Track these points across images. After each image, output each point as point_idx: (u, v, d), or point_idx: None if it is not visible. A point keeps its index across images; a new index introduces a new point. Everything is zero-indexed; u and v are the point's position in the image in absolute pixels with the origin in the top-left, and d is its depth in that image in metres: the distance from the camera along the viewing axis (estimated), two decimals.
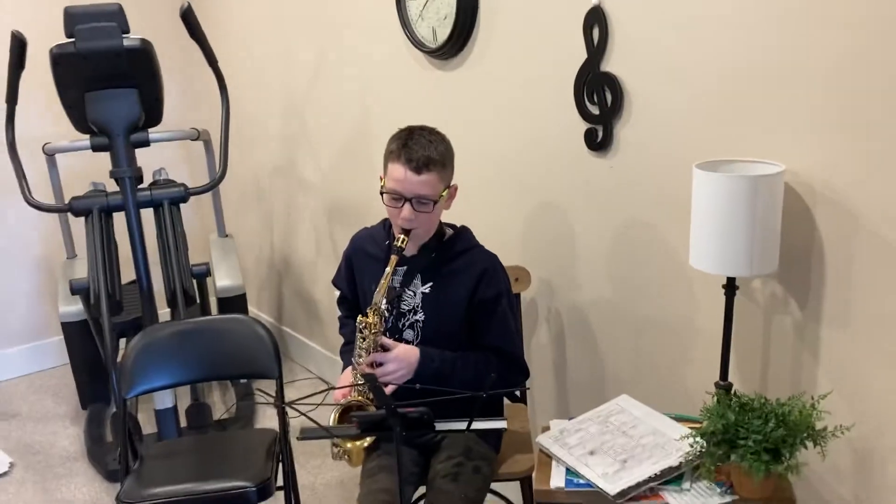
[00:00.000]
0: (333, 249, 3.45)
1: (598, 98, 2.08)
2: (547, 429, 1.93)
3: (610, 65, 2.04)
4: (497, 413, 2.13)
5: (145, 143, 2.86)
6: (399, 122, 2.81)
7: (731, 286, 1.77)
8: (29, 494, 2.94)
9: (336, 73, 3.13)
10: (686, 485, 1.66)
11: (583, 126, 2.15)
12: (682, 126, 1.91)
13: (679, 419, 1.87)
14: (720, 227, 1.66)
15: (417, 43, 2.61)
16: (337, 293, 2.29)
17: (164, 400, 2.85)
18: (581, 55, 2.10)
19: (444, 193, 1.91)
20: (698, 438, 1.64)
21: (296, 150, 3.52)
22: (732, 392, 1.71)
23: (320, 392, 1.71)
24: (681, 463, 1.68)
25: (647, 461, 1.71)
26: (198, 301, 3.22)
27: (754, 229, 1.63)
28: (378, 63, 2.88)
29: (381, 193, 1.91)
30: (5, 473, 3.07)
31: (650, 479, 1.65)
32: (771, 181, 1.62)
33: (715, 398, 1.71)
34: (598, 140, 2.12)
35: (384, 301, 1.90)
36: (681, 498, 1.62)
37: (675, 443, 1.75)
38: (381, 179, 1.93)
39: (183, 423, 3.05)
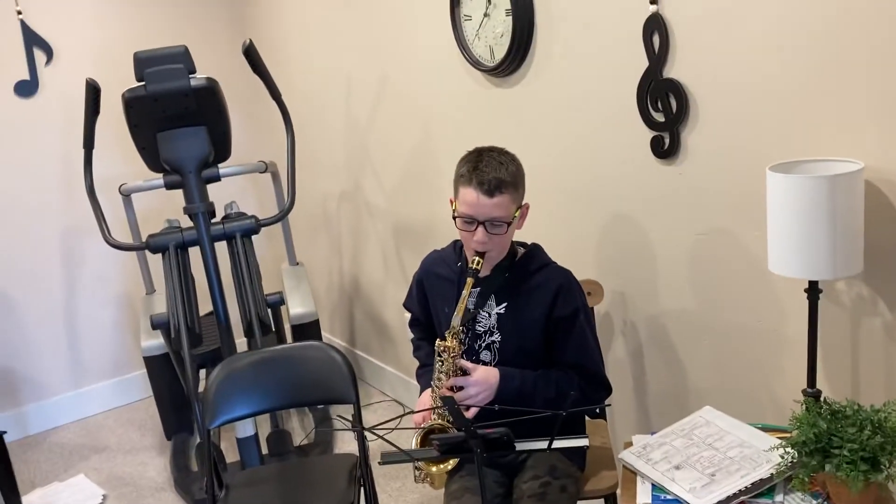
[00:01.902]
0: (402, 271, 3.47)
1: (663, 105, 2.06)
2: (629, 444, 1.89)
3: (673, 71, 2.01)
4: (579, 430, 2.10)
5: (216, 179, 2.94)
6: (460, 141, 2.83)
7: (813, 290, 1.71)
8: None
9: (396, 96, 3.17)
10: (779, 497, 1.60)
11: (648, 134, 2.12)
12: (752, 128, 1.87)
13: (766, 429, 1.81)
14: (799, 230, 1.61)
15: (475, 62, 2.62)
16: (408, 316, 2.30)
17: (245, 429, 2.90)
18: (642, 63, 2.07)
19: (516, 214, 1.90)
20: (789, 449, 1.59)
21: (360, 174, 3.57)
22: (822, 399, 1.65)
23: (399, 417, 1.71)
24: (772, 475, 1.62)
25: (737, 474, 1.66)
26: (273, 329, 3.28)
27: (835, 230, 1.58)
28: (437, 84, 2.90)
29: (454, 218, 1.91)
30: None
31: (741, 493, 1.60)
32: (850, 179, 1.57)
33: (804, 406, 1.66)
34: (665, 147, 2.08)
35: (460, 323, 1.90)
36: None
37: (764, 454, 1.69)
38: (452, 203, 1.93)
39: (264, 450, 3.10)
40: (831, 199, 1.56)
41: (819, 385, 1.78)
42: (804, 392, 1.75)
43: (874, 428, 1.51)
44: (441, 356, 1.91)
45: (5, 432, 2.90)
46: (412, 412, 1.96)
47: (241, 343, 3.11)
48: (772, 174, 1.64)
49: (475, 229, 1.87)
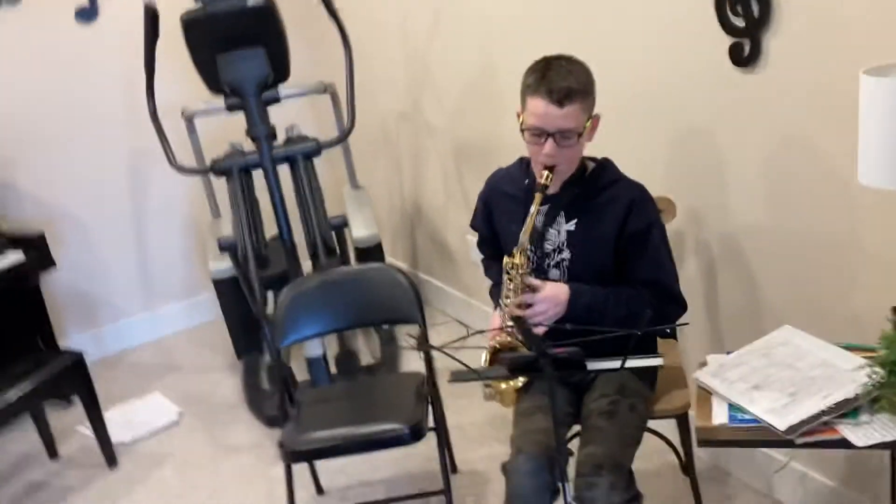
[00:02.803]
0: (462, 192, 3.42)
1: (743, 9, 1.93)
2: (704, 364, 1.84)
3: None
4: (650, 349, 2.05)
5: (276, 100, 2.92)
6: (522, 55, 2.72)
7: None
8: (198, 440, 3.15)
9: (456, 10, 3.06)
10: (864, 417, 1.55)
11: (727, 41, 2.00)
12: (841, 30, 1.74)
13: (850, 348, 1.74)
14: (893, 136, 1.51)
15: None
16: (476, 236, 2.27)
17: (314, 349, 2.95)
18: None
19: (587, 125, 1.83)
20: (876, 368, 1.53)
21: (420, 94, 3.50)
22: None
23: (467, 336, 1.70)
24: (857, 395, 1.56)
25: (819, 394, 1.60)
26: (337, 252, 3.29)
27: None
28: None
29: (522, 131, 1.84)
30: (176, 422, 3.29)
31: (823, 413, 1.55)
32: None
33: (894, 324, 1.58)
34: (746, 55, 1.97)
35: (528, 240, 1.86)
36: (859, 431, 1.51)
37: (848, 374, 1.63)
38: (519, 116, 1.87)
39: (332, 370, 3.15)
40: None
41: None
42: (894, 309, 1.67)
43: None
44: (509, 273, 1.88)
45: (85, 353, 3.01)
46: (480, 332, 1.94)
47: (306, 265, 3.13)
48: (866, 78, 1.53)
49: (544, 142, 1.81)
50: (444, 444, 2.35)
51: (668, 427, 2.22)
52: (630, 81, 2.34)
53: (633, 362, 1.61)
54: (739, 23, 1.95)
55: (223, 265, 3.44)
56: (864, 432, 1.51)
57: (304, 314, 2.47)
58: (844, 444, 1.51)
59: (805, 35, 1.83)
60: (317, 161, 3.18)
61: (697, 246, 2.32)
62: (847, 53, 1.75)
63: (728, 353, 1.85)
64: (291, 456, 2.22)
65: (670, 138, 2.28)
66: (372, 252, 3.57)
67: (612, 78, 2.36)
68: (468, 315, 3.67)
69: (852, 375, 1.61)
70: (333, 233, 3.27)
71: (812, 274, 2.01)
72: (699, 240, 2.30)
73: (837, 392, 1.59)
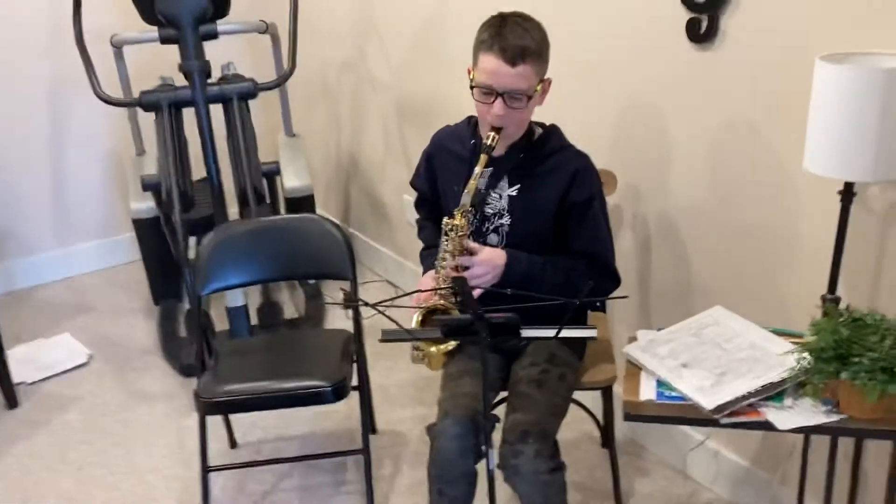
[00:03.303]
0: (403, 149, 3.35)
1: None
2: (634, 339, 1.84)
3: None
4: (581, 321, 2.05)
5: (214, 36, 2.77)
6: (476, 12, 2.65)
7: (848, 192, 1.63)
8: (108, 385, 3.02)
9: None
10: (788, 401, 1.57)
11: (685, 15, 1.97)
12: (801, 14, 1.73)
13: (778, 333, 1.76)
14: (843, 126, 1.51)
15: None
16: (414, 195, 2.20)
17: (235, 298, 2.85)
18: None
19: (538, 88, 1.78)
20: (805, 354, 1.54)
21: (365, 44, 3.39)
22: (845, 307, 1.60)
23: (405, 295, 1.65)
24: (784, 379, 1.58)
25: (747, 376, 1.61)
26: (268, 200, 3.18)
27: (883, 129, 1.48)
28: None
29: (471, 88, 1.78)
30: (85, 364, 3.15)
31: (749, 395, 1.56)
32: None
33: (824, 312, 1.60)
34: (702, 31, 1.94)
35: (470, 202, 1.81)
36: (782, 415, 1.53)
37: (776, 358, 1.65)
38: (470, 73, 1.80)
39: (253, 321, 3.06)
40: (885, 94, 1.45)
41: (837, 292, 1.71)
42: (823, 298, 1.70)
43: (895, 339, 1.46)
44: (448, 234, 1.83)
45: None
46: (416, 291, 1.89)
47: (233, 211, 3.01)
48: (822, 64, 1.53)
49: (493, 101, 1.75)
50: (367, 404, 2.30)
51: (591, 399, 2.23)
52: (583, 47, 2.29)
53: (567, 332, 1.59)
54: None
55: (145, 205, 3.29)
56: (787, 416, 1.53)
57: (229, 262, 2.37)
58: (767, 426, 1.53)
59: (763, 18, 1.81)
60: (252, 104, 3.05)
61: (635, 221, 2.31)
62: (803, 40, 1.74)
63: (658, 329, 1.85)
64: (207, 407, 2.14)
65: (619, 109, 2.25)
66: (303, 203, 3.47)
67: (565, 41, 2.31)
68: (399, 275, 3.62)
69: (780, 359, 1.63)
70: (265, 180, 3.15)
71: (746, 258, 2.03)
72: (637, 215, 2.30)
73: (765, 375, 1.60)
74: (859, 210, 1.73)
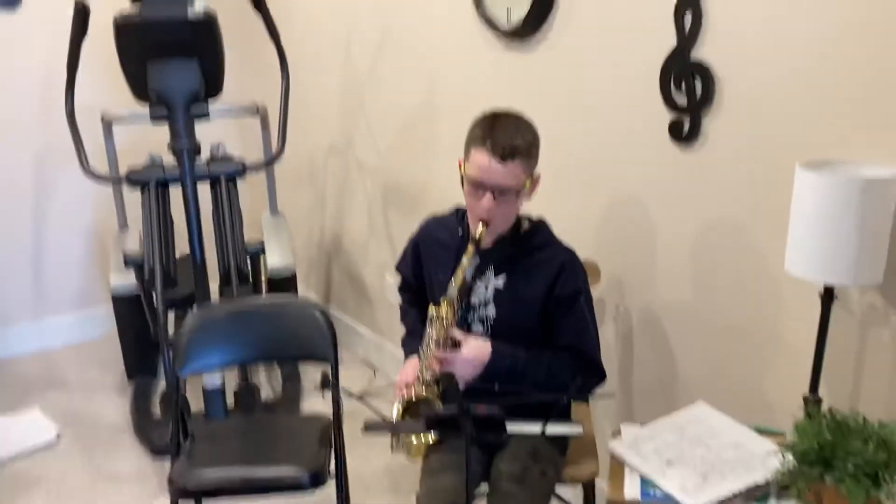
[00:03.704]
0: (386, 232, 3.37)
1: (687, 87, 1.97)
2: (618, 433, 1.83)
3: (702, 52, 1.93)
4: (565, 415, 2.04)
5: (205, 116, 2.81)
6: (466, 105, 2.71)
7: (828, 295, 1.66)
8: (76, 465, 2.93)
9: (400, 50, 3.04)
10: (772, 503, 1.56)
11: (668, 116, 2.04)
12: (782, 121, 1.79)
13: (760, 431, 1.77)
14: (824, 231, 1.55)
15: (489, 22, 2.51)
16: (398, 279, 2.21)
17: (213, 379, 2.80)
18: (670, 41, 1.98)
19: (527, 184, 1.81)
20: (789, 456, 1.54)
21: (353, 128, 3.45)
22: (827, 409, 1.60)
23: (385, 388, 1.63)
24: (768, 481, 1.58)
25: (730, 476, 1.61)
26: (250, 280, 3.17)
27: (862, 236, 1.52)
28: (445, 42, 2.78)
29: (462, 181, 1.81)
30: (54, 443, 3.06)
31: (734, 497, 1.56)
32: (884, 186, 1.51)
33: (806, 413, 1.61)
34: (685, 133, 2.00)
35: (457, 292, 1.82)
36: None
37: (759, 458, 1.65)
38: (461, 166, 1.84)
39: (230, 402, 3.01)
40: (863, 203, 1.50)
41: (819, 392, 1.73)
42: (805, 398, 1.71)
43: (878, 444, 1.47)
44: (433, 323, 1.83)
45: None
46: (401, 390, 1.88)
47: (214, 288, 3.00)
48: (802, 171, 1.58)
49: (483, 195, 1.78)
50: (344, 495, 2.25)
51: (573, 493, 2.20)
52: (570, 143, 2.35)
53: (553, 428, 1.58)
54: (682, 100, 1.99)
55: (125, 280, 3.26)
56: None
57: (210, 343, 2.34)
58: None
59: (744, 121, 1.87)
60: (239, 183, 3.07)
61: (618, 313, 2.33)
62: (784, 144, 1.80)
63: (641, 424, 1.85)
64: (180, 493, 2.07)
65: (604, 204, 2.29)
66: (285, 283, 3.45)
67: (552, 138, 2.37)
68: (379, 356, 3.59)
69: (763, 460, 1.63)
70: (248, 259, 3.15)
71: (729, 354, 2.04)
72: (620, 307, 2.31)
73: (748, 476, 1.60)
74: (840, 311, 1.76)
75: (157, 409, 3.22)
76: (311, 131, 3.78)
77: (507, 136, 1.75)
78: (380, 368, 3.57)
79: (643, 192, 2.17)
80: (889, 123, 1.60)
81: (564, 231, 2.06)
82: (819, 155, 1.70)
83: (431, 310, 1.83)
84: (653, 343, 2.24)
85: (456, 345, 1.83)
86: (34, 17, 3.47)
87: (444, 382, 1.64)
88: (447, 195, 2.82)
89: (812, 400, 1.70)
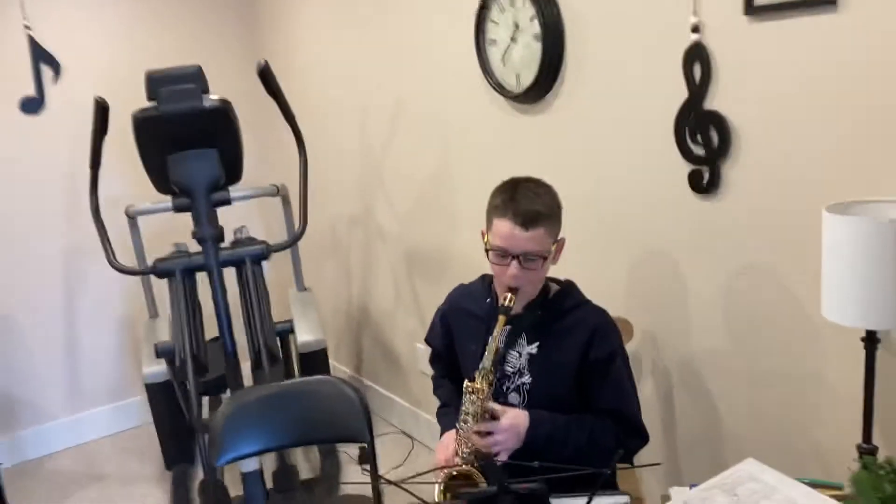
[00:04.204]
0: (413, 299, 3.36)
1: (703, 138, 1.96)
2: (667, 498, 1.77)
3: (715, 102, 1.92)
4: (610, 480, 1.98)
5: (227, 202, 2.84)
6: (480, 168, 2.73)
7: (871, 339, 1.60)
8: None
9: (413, 121, 3.07)
10: None
11: (686, 168, 2.02)
12: (801, 164, 1.77)
13: (815, 484, 1.69)
14: (858, 275, 1.51)
15: (499, 88, 2.53)
16: (429, 350, 2.19)
17: (250, 463, 2.77)
18: (681, 93, 1.98)
19: (552, 248, 1.80)
20: None
21: (372, 199, 3.47)
22: (885, 459, 1.54)
23: (427, 472, 1.60)
24: None
25: None
26: (280, 359, 3.16)
27: None
28: (457, 110, 2.81)
29: (486, 251, 1.80)
30: None
31: None
32: None
33: (862, 465, 1.54)
34: (705, 183, 1.98)
35: (490, 364, 1.79)
36: None
37: None
38: (484, 236, 1.83)
39: (268, 483, 2.97)
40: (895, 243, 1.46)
41: (873, 440, 1.66)
42: (859, 448, 1.64)
43: None
44: (468, 397, 1.80)
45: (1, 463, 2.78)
46: (444, 468, 1.84)
47: (246, 370, 2.99)
48: (829, 215, 1.54)
49: (509, 263, 1.77)
50: None
51: None
52: (592, 202, 2.34)
53: (599, 500, 1.53)
54: (699, 151, 1.98)
55: (158, 369, 3.27)
56: None
57: (244, 430, 2.31)
58: None
59: (764, 167, 1.85)
60: (264, 263, 3.09)
61: (655, 369, 2.28)
62: (805, 187, 1.77)
63: (691, 486, 1.78)
64: None
65: (631, 261, 2.27)
66: (316, 358, 3.45)
67: (573, 198, 2.37)
68: (414, 426, 3.55)
69: None
70: (278, 338, 3.15)
71: (773, 405, 1.98)
72: (657, 363, 2.27)
73: None
74: (885, 354, 1.70)
75: (196, 498, 3.18)
76: (332, 204, 3.82)
77: (528, 202, 1.74)
78: (417, 438, 3.53)
79: (669, 245, 2.14)
80: None
81: (593, 290, 2.03)
82: (842, 195, 1.67)
83: (466, 384, 1.80)
84: (694, 398, 2.18)
85: (494, 417, 1.80)
86: (57, 118, 3.57)
87: (483, 459, 1.60)
88: (470, 261, 2.81)
89: (865, 449, 1.63)
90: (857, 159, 1.66)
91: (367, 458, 2.24)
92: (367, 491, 2.29)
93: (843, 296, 1.55)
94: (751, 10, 1.79)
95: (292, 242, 3.08)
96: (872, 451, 1.63)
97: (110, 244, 2.88)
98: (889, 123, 1.59)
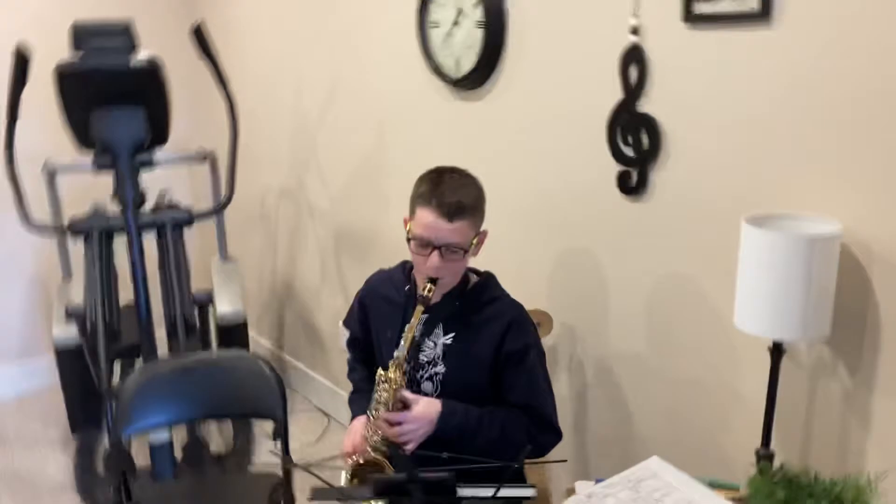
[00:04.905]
0: (339, 278, 3.33)
1: (634, 140, 1.98)
2: (572, 491, 1.80)
3: (648, 105, 1.94)
4: (519, 473, 2.00)
5: (150, 164, 2.75)
6: (415, 152, 2.70)
7: (777, 350, 1.66)
8: None
9: (351, 97, 3.02)
10: None
11: (616, 168, 2.04)
12: (727, 173, 1.81)
13: (714, 485, 1.74)
14: (772, 288, 1.55)
15: (438, 72, 2.51)
16: (347, 334, 2.17)
17: (160, 435, 2.71)
18: (616, 94, 1.99)
19: (474, 241, 1.79)
20: None
21: (305, 173, 3.41)
22: (779, 466, 1.59)
23: (333, 458, 1.58)
24: None
25: None
26: (198, 329, 3.09)
27: (809, 292, 1.52)
28: (395, 89, 2.77)
29: (408, 239, 1.79)
30: None
31: None
32: (829, 243, 1.52)
33: (759, 469, 1.60)
34: (633, 184, 2.01)
35: (405, 354, 1.78)
36: None
37: None
38: (406, 224, 1.81)
39: (178, 457, 2.91)
40: (808, 260, 1.50)
41: (772, 446, 1.72)
42: (758, 453, 1.70)
43: (831, 502, 1.46)
44: (380, 386, 1.79)
45: None
46: (349, 455, 1.83)
47: (161, 339, 2.91)
48: (748, 227, 1.58)
49: (430, 253, 1.76)
50: None
51: None
52: (520, 193, 2.35)
53: (506, 492, 1.54)
54: (629, 152, 2.00)
55: (68, 332, 3.16)
56: None
57: (155, 401, 2.25)
58: None
59: (690, 173, 1.88)
60: (188, 229, 3.01)
61: (571, 364, 2.31)
62: (728, 196, 1.81)
63: (597, 480, 1.82)
64: None
65: (556, 255, 2.28)
66: (235, 330, 3.39)
67: (501, 187, 2.38)
68: (332, 404, 3.53)
69: None
70: (196, 308, 3.07)
71: (683, 407, 2.03)
72: (574, 358, 2.30)
73: None
74: (790, 365, 1.76)
75: (101, 467, 3.10)
76: (263, 175, 3.74)
77: (452, 194, 1.72)
78: (333, 416, 3.51)
79: (594, 244, 2.16)
80: (829, 178, 1.62)
81: (517, 281, 2.04)
82: (763, 208, 1.71)
83: (380, 373, 1.79)
84: (607, 396, 2.22)
85: (406, 406, 1.79)
86: None
87: (392, 447, 1.59)
88: (399, 244, 2.78)
89: (763, 454, 1.69)
90: (780, 172, 1.70)
91: (279, 435, 2.22)
92: (278, 469, 2.26)
93: (755, 306, 1.59)
94: (689, 17, 1.81)
95: (217, 211, 3.02)
96: (770, 457, 1.69)
97: (25, 202, 2.76)
98: (814, 139, 1.63)
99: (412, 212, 1.79)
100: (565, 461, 1.93)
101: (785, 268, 1.52)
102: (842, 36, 1.55)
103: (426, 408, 1.77)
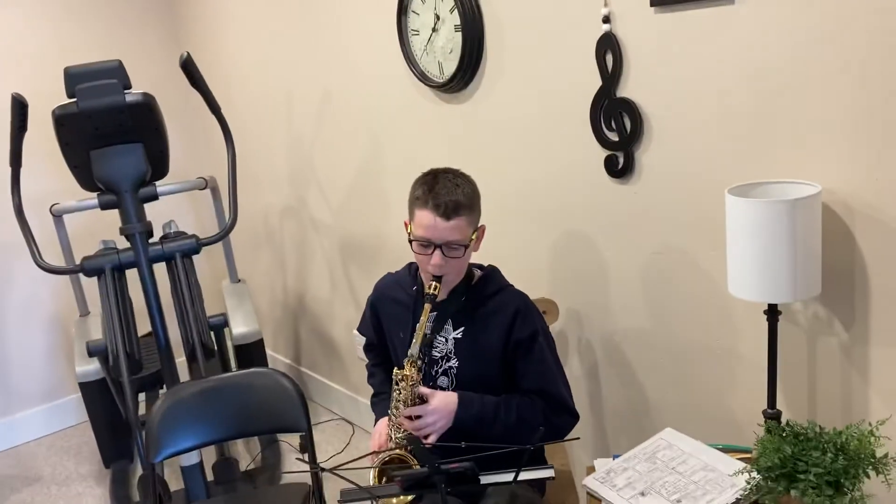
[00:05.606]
0: (349, 287, 3.40)
1: (617, 124, 2.04)
2: (592, 469, 1.86)
3: (627, 90, 2.00)
4: (539, 457, 2.06)
5: (154, 198, 2.82)
6: (410, 157, 2.77)
7: (773, 312, 1.71)
8: None
9: (341, 110, 3.09)
10: None
11: (602, 153, 2.10)
12: (708, 148, 1.87)
13: (727, 450, 1.81)
14: (759, 253, 1.61)
15: (423, 77, 2.58)
16: (362, 339, 2.24)
17: (190, 457, 2.79)
18: (595, 82, 2.06)
19: (473, 236, 1.86)
20: (754, 474, 1.58)
21: (305, 188, 3.48)
22: (785, 422, 1.65)
23: (360, 458, 1.65)
24: (738, 500, 1.62)
25: (702, 499, 1.64)
26: (216, 352, 3.17)
27: (795, 254, 1.58)
28: (384, 99, 2.84)
29: (410, 241, 1.86)
30: None
31: None
32: (809, 203, 1.58)
33: (766, 429, 1.65)
34: (620, 167, 2.07)
35: (418, 351, 1.85)
36: None
37: (728, 478, 1.69)
38: (407, 226, 1.88)
39: (209, 476, 2.99)
40: (792, 222, 1.56)
41: (778, 405, 1.78)
42: (765, 413, 1.76)
43: (837, 451, 1.52)
44: (398, 385, 1.86)
45: None
46: (377, 453, 1.90)
47: (181, 364, 2.99)
48: (731, 197, 1.64)
49: (432, 252, 1.83)
50: None
51: None
52: (514, 188, 2.41)
53: (525, 475, 1.61)
54: (614, 137, 2.06)
55: (91, 367, 3.25)
56: None
57: (182, 426, 2.33)
58: None
59: (673, 151, 1.94)
60: (195, 256, 3.08)
61: (581, 346, 2.37)
62: (712, 170, 1.87)
63: (615, 456, 1.88)
64: None
65: (552, 243, 2.35)
66: (252, 349, 3.46)
67: (496, 183, 2.44)
68: (354, 412, 3.59)
69: (732, 480, 1.67)
70: (212, 332, 3.15)
71: (691, 376, 2.09)
72: (582, 340, 2.36)
73: (720, 497, 1.64)
74: (788, 325, 1.82)
75: (137, 495, 3.18)
76: (264, 195, 3.81)
77: (448, 193, 1.79)
78: (356, 424, 3.58)
79: (589, 228, 2.22)
80: (804, 142, 1.68)
81: (519, 274, 2.11)
82: (745, 178, 1.77)
83: (396, 372, 1.85)
84: (618, 373, 2.28)
85: (424, 401, 1.86)
86: None
87: (412, 443, 1.65)
88: (404, 248, 2.85)
89: (770, 414, 1.75)
90: (755, 143, 1.76)
91: (306, 446, 2.29)
92: (307, 479, 2.33)
93: (746, 272, 1.65)
94: (656, 0, 1.87)
95: (223, 235, 3.08)
96: (776, 416, 1.75)
97: (35, 243, 2.83)
98: (783, 108, 1.69)
99: (411, 214, 1.86)
100: (578, 438, 1.99)
101: (770, 232, 1.58)
102: (803, 7, 1.61)
103: (443, 400, 1.84)
